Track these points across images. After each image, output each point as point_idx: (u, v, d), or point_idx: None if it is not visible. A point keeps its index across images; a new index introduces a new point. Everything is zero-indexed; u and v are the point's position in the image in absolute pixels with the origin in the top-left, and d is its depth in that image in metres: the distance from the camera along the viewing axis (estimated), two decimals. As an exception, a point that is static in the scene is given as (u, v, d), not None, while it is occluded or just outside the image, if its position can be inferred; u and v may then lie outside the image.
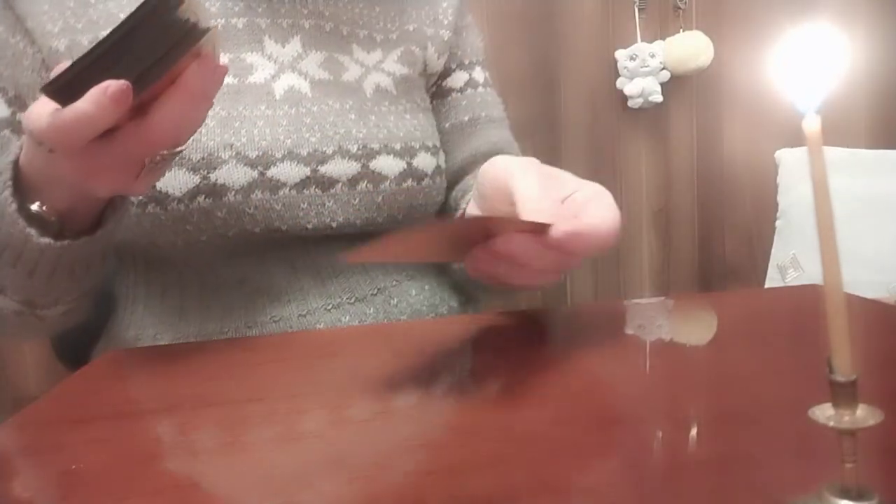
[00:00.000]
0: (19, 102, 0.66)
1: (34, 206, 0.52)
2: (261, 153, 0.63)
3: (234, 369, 0.45)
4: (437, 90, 0.81)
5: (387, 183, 0.68)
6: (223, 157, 0.62)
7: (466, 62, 0.83)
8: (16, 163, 0.52)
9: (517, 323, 0.56)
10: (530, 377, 0.43)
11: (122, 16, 0.65)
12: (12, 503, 0.29)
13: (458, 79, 0.82)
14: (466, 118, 0.81)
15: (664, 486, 0.26)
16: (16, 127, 0.66)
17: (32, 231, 0.51)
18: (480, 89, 0.84)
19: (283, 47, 0.68)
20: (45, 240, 0.52)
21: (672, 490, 0.25)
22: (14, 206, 0.51)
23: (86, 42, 0.65)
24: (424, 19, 0.78)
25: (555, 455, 0.30)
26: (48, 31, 0.64)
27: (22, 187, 0.52)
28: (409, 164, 0.69)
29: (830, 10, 1.91)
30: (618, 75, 1.89)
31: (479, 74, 0.84)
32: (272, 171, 0.63)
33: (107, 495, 0.29)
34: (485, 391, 0.41)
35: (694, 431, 0.32)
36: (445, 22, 0.80)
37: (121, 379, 0.46)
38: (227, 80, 0.64)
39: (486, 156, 0.80)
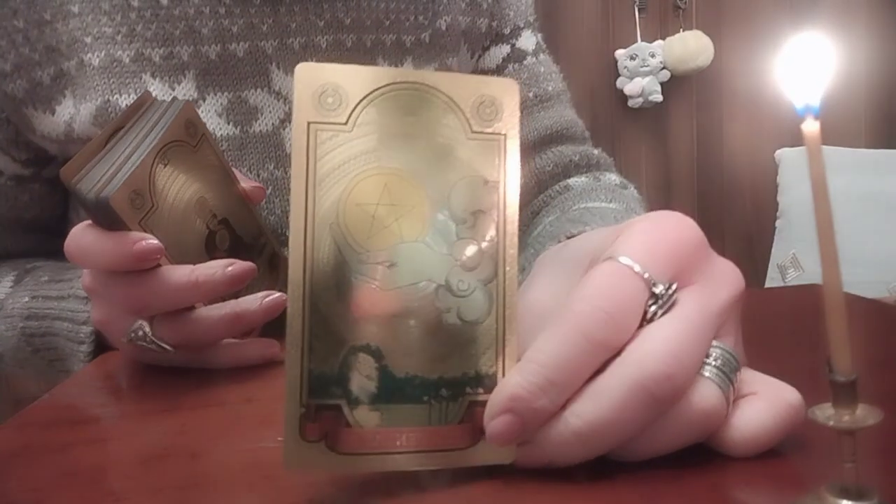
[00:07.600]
0: None
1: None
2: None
3: (234, 370, 0.45)
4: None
5: None
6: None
7: (507, 31, 0.69)
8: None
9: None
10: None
11: (88, 40, 0.54)
12: (12, 503, 0.29)
13: (493, 56, 0.69)
14: None
15: (664, 485, 0.26)
16: None
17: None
18: (529, 59, 0.69)
19: None
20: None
21: (672, 490, 0.25)
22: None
23: (48, 79, 0.55)
24: (459, 1, 0.66)
25: (555, 455, 0.30)
26: None
27: None
28: None
29: (830, 10, 1.91)
30: (618, 75, 1.90)
31: (526, 42, 0.69)
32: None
33: (107, 495, 0.29)
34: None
35: (694, 431, 0.32)
36: (485, 6, 0.67)
37: (121, 379, 0.46)
38: (229, 129, 0.56)
39: (539, 145, 0.67)
